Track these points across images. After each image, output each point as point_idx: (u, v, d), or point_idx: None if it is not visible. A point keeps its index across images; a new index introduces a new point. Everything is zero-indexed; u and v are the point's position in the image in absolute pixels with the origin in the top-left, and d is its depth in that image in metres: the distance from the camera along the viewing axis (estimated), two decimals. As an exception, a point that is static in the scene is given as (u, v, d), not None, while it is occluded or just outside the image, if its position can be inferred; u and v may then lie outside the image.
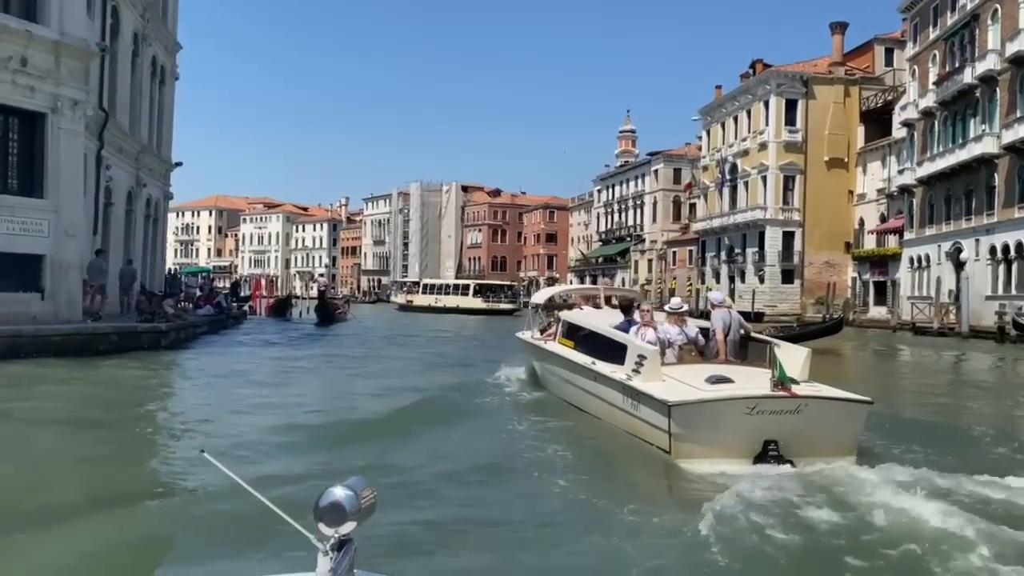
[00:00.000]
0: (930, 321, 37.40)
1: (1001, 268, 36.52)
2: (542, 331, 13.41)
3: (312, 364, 18.89)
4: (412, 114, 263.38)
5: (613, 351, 9.57)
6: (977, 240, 37.58)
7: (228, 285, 49.00)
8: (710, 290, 58.78)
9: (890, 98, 53.97)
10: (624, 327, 10.09)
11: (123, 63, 25.53)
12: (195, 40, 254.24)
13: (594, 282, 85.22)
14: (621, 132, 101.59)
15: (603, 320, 11.11)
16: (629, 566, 5.16)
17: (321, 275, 65.42)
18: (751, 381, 8.08)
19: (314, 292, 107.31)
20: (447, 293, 71.12)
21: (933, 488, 6.57)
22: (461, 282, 76.32)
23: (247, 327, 35.08)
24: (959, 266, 38.67)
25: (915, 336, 36.06)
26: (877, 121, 54.39)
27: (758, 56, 62.75)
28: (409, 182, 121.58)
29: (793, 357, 8.54)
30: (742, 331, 9.74)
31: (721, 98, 64.34)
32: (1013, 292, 35.06)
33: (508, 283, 76.70)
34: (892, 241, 49.95)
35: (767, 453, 7.58)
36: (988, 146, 37.05)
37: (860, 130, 55.28)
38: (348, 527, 1.80)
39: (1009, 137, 35.54)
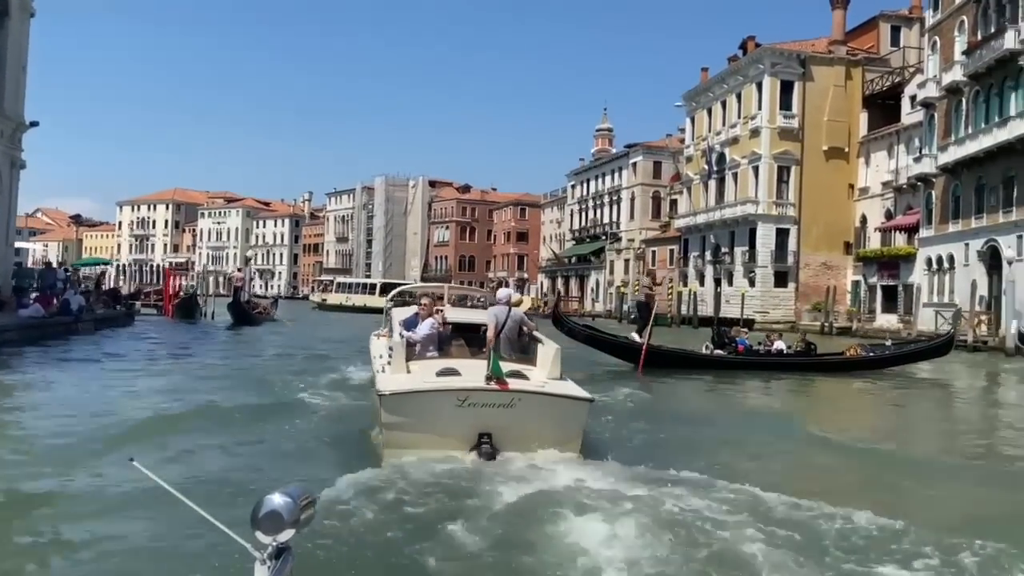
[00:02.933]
0: (963, 333, 31.10)
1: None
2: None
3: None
4: (381, 106, 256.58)
5: None
6: (1020, 236, 31.27)
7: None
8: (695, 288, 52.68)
9: (897, 80, 48.20)
10: (412, 320, 9.92)
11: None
12: (153, 28, 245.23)
13: (566, 284, 79.67)
14: (598, 130, 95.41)
15: (403, 314, 10.70)
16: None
17: (239, 269, 59.06)
18: (480, 375, 7.66)
19: (272, 291, 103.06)
20: (356, 292, 75.15)
21: (630, 490, 6.43)
22: (368, 282, 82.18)
23: (134, 331, 28.58)
24: (994, 268, 32.42)
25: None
26: (881, 107, 49.00)
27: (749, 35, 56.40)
28: (375, 176, 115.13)
29: (545, 353, 8.64)
30: (525, 329, 9.41)
31: (708, 81, 58.03)
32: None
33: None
34: (900, 240, 43.90)
35: (480, 446, 7.43)
36: (1035, 124, 30.98)
37: (863, 117, 49.66)
38: (286, 535, 1.77)
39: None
